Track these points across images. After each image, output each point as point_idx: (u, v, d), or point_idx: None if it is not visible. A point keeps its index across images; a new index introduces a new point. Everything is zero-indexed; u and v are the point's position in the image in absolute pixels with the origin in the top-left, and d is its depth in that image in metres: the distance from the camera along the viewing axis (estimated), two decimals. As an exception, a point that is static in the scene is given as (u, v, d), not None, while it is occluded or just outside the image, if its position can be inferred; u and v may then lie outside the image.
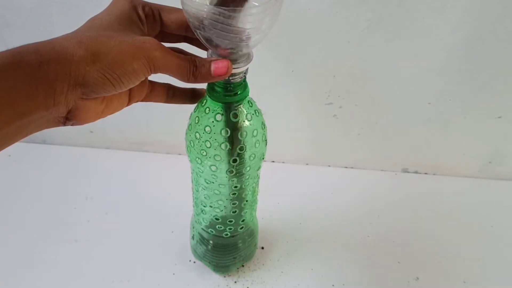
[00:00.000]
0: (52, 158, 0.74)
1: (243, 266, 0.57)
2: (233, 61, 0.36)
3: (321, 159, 0.73)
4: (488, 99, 0.63)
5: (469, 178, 0.73)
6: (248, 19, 0.34)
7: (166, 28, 0.38)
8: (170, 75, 0.35)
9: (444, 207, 0.68)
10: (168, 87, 0.42)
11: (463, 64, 0.60)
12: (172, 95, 0.42)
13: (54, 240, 0.60)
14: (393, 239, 0.62)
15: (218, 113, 0.40)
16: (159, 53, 0.32)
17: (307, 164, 0.74)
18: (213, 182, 0.45)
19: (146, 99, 0.40)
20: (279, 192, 0.68)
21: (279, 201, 0.67)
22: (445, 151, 0.70)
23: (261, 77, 0.61)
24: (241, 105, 0.41)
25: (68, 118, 0.32)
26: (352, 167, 0.74)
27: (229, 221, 0.49)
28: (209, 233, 0.51)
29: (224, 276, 0.56)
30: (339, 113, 0.66)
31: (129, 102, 0.38)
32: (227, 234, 0.51)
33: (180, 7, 0.35)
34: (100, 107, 0.34)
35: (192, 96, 0.44)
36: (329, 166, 0.74)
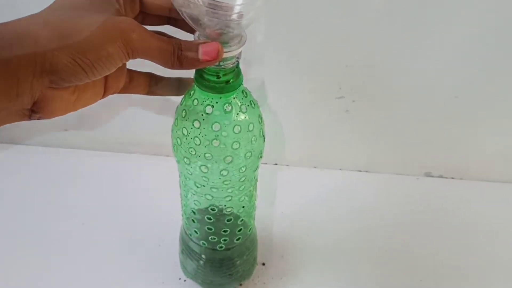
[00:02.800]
0: (24, 161, 0.70)
1: (241, 285, 0.53)
2: (224, 43, 0.35)
3: (330, 162, 0.70)
4: (526, 89, 0.60)
5: (501, 183, 0.69)
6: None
7: (146, 9, 0.37)
8: (151, 61, 0.33)
9: (474, 216, 0.64)
10: (151, 76, 0.40)
11: (493, 50, 0.57)
12: (155, 85, 0.41)
13: (25, 254, 0.56)
14: (414, 252, 0.59)
15: (208, 104, 0.39)
16: (137, 34, 0.31)
17: (314, 167, 0.70)
18: (204, 186, 0.43)
19: (124, 90, 0.38)
20: (283, 200, 0.64)
21: (283, 209, 0.63)
22: (474, 152, 0.67)
23: (261, 67, 0.60)
24: (234, 96, 0.39)
25: (34, 111, 0.31)
26: (366, 171, 0.70)
27: (223, 231, 0.47)
28: (201, 246, 0.49)
29: (218, 297, 0.53)
30: (352, 108, 0.63)
31: (104, 94, 0.36)
32: (221, 247, 0.49)
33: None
34: (71, 98, 0.32)
35: (178, 87, 0.42)
36: (340, 169, 0.70)
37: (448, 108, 0.62)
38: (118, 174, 0.69)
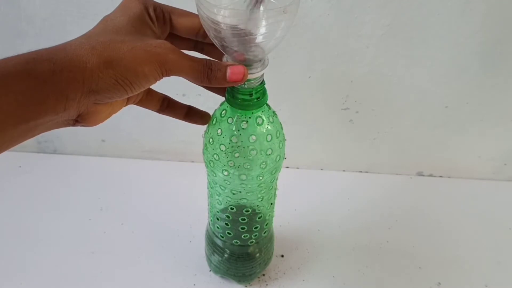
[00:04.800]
0: (64, 168, 0.72)
1: (264, 275, 0.57)
2: (249, 66, 0.37)
3: (336, 164, 0.73)
4: (505, 101, 0.64)
5: (484, 180, 0.72)
6: (263, 24, 0.34)
7: (175, 31, 0.38)
8: (184, 77, 0.35)
9: (461, 210, 0.68)
10: (164, 97, 0.42)
11: (481, 67, 0.60)
12: (166, 106, 0.43)
13: (70, 253, 0.59)
14: (412, 244, 0.62)
15: (243, 121, 0.41)
16: (171, 56, 0.33)
17: (321, 169, 0.73)
18: (240, 192, 0.45)
19: (140, 102, 0.40)
20: (296, 198, 0.67)
21: (296, 207, 0.66)
22: (460, 154, 0.70)
23: (278, 82, 0.62)
24: (263, 110, 0.41)
25: (78, 121, 0.33)
26: (367, 171, 0.73)
27: (254, 228, 0.49)
28: (225, 242, 0.51)
29: (246, 286, 0.55)
30: (355, 118, 0.66)
31: (127, 103, 0.38)
32: (236, 242, 0.50)
33: (190, 9, 0.36)
34: (108, 109, 0.34)
35: (186, 114, 0.44)
36: (343, 170, 0.73)
37: (439, 117, 0.66)
38: (150, 179, 0.71)
